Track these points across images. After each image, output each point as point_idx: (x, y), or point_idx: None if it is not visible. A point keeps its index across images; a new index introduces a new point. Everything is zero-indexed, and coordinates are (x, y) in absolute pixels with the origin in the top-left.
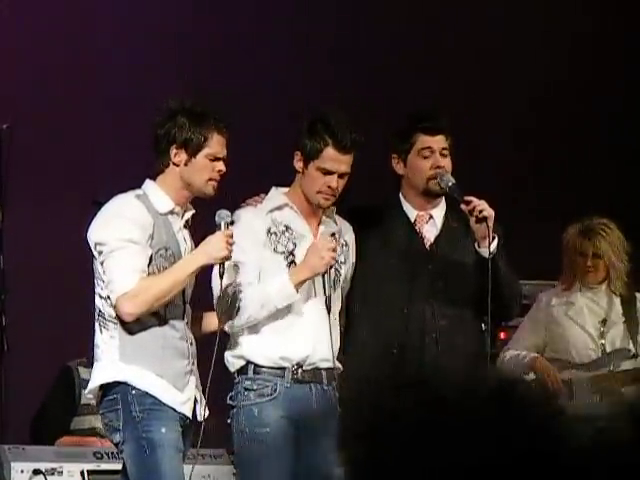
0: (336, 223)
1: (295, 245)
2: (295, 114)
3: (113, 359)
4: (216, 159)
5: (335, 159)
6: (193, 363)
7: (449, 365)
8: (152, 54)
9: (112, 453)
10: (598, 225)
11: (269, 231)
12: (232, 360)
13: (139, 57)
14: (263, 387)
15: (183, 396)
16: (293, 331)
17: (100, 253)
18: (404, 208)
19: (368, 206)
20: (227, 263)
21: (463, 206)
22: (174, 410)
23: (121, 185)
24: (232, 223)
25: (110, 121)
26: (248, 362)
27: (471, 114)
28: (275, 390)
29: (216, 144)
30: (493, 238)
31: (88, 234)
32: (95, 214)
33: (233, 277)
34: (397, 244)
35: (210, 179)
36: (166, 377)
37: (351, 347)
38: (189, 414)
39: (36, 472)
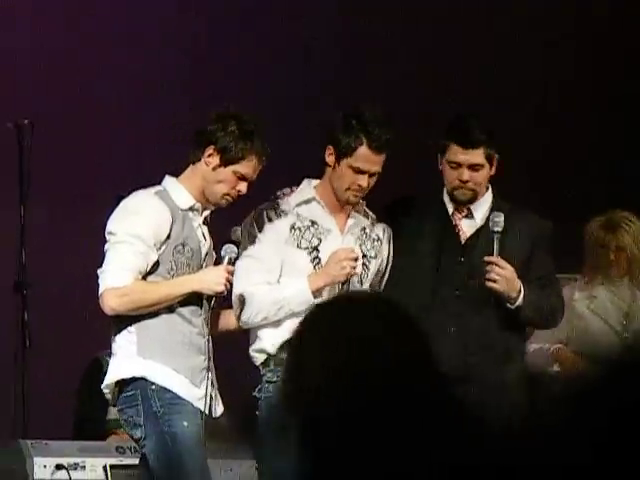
0: (367, 217)
1: (320, 240)
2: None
3: (130, 354)
4: (243, 178)
5: (368, 159)
6: (210, 359)
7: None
8: (167, 54)
9: (134, 447)
10: (621, 218)
11: (293, 227)
12: (255, 355)
13: (154, 55)
14: None
15: (200, 392)
16: None
17: (107, 243)
18: (445, 200)
19: (408, 198)
20: (242, 263)
21: (483, 260)
22: (190, 404)
23: (141, 181)
24: (236, 260)
25: (127, 118)
26: (269, 355)
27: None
28: None
29: (250, 166)
30: (519, 294)
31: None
32: None
33: (252, 277)
34: (432, 236)
35: (227, 194)
36: (183, 372)
37: None
38: (205, 410)
39: (59, 467)
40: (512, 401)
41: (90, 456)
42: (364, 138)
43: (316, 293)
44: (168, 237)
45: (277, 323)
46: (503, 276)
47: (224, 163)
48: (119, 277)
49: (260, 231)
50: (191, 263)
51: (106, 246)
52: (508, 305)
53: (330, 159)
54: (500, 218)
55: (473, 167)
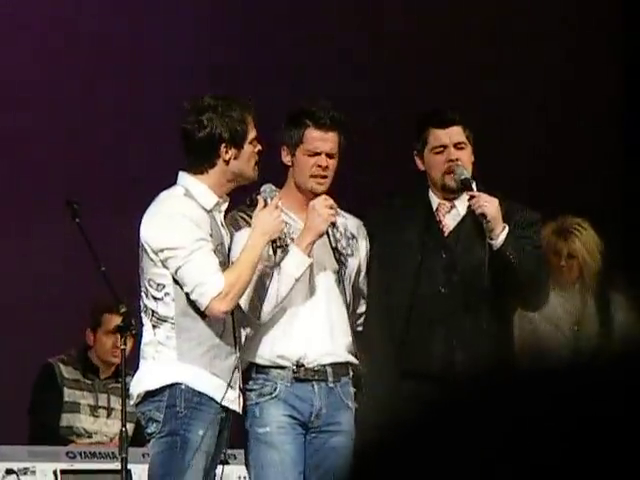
0: (339, 215)
1: (293, 240)
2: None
3: (171, 359)
4: (255, 140)
5: (319, 138)
6: (237, 358)
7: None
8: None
9: (85, 453)
10: (572, 225)
11: None
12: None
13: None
14: (263, 386)
15: (234, 393)
16: (288, 330)
17: (171, 258)
18: (429, 197)
19: (391, 198)
20: None
21: (468, 201)
22: (220, 410)
23: (92, 185)
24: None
25: (81, 122)
26: (251, 364)
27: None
28: (275, 389)
29: (253, 126)
30: (503, 230)
31: (145, 237)
32: (71, 215)
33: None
34: (415, 232)
35: (255, 163)
36: (221, 375)
37: (360, 340)
38: (239, 410)
39: (9, 472)
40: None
41: (40, 461)
42: (308, 121)
43: (307, 251)
44: (211, 236)
45: (256, 331)
46: (490, 202)
47: (240, 145)
48: (214, 284)
49: (237, 232)
50: (222, 261)
51: (174, 262)
52: (492, 242)
53: (287, 158)
54: (460, 168)
55: (457, 145)
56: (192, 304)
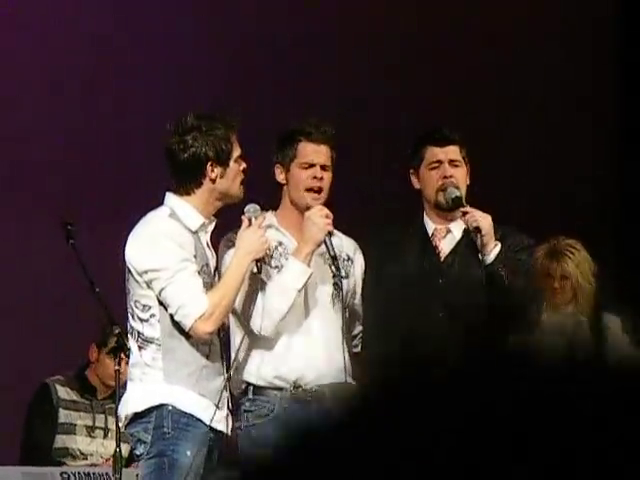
0: (334, 236)
1: (288, 259)
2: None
3: (157, 380)
4: (240, 158)
5: (312, 151)
6: (225, 379)
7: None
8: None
9: (79, 473)
10: (565, 246)
11: None
12: (234, 385)
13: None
14: (261, 408)
15: (222, 413)
16: (286, 351)
17: (155, 280)
18: (424, 222)
19: (389, 223)
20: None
21: (461, 218)
22: (208, 430)
23: (90, 206)
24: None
25: (74, 142)
26: (248, 384)
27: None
28: (272, 411)
29: (236, 144)
30: (495, 246)
31: (129, 258)
32: (66, 236)
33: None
34: (412, 258)
35: (241, 181)
36: (208, 396)
37: (358, 365)
38: (226, 430)
39: None
40: None
41: None
42: (301, 136)
43: (307, 261)
44: (195, 257)
45: (252, 352)
46: (484, 217)
47: (226, 163)
48: (197, 305)
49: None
50: (208, 281)
51: (158, 284)
52: (484, 258)
53: (281, 176)
54: (451, 188)
55: (453, 163)
56: (177, 325)
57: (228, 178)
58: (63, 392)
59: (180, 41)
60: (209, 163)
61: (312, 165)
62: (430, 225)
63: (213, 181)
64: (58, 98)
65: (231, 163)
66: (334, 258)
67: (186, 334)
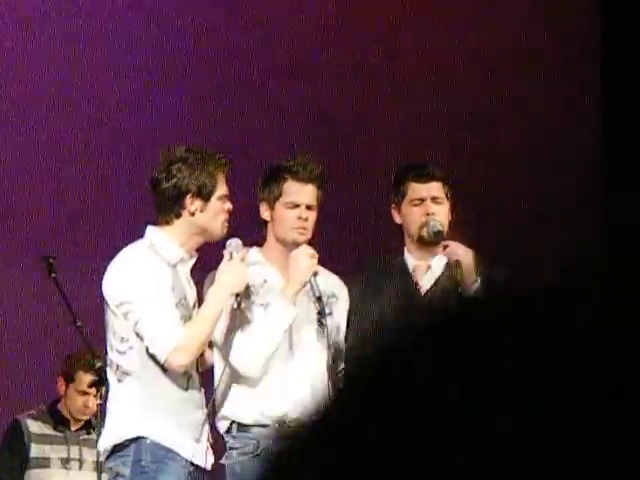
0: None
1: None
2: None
3: (135, 413)
4: (225, 197)
5: (297, 190)
6: (205, 413)
7: None
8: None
9: None
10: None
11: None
12: (219, 423)
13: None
14: (246, 445)
15: (200, 447)
16: (270, 388)
17: (130, 312)
18: (405, 258)
19: (370, 260)
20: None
21: (442, 252)
22: (186, 463)
23: (73, 239)
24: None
25: (58, 170)
26: (232, 422)
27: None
28: (258, 447)
29: (223, 183)
30: (475, 282)
31: (106, 290)
32: (47, 270)
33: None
34: (393, 296)
35: (224, 220)
36: (186, 429)
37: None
38: (204, 465)
39: None
40: None
41: None
42: (287, 174)
43: (292, 301)
44: (173, 290)
45: (237, 389)
46: (465, 251)
47: (207, 198)
48: (171, 338)
49: None
50: (186, 315)
51: (133, 316)
52: (463, 293)
53: (266, 213)
54: (434, 222)
55: (435, 200)
56: (154, 358)
57: (208, 214)
58: (35, 426)
59: (173, 76)
60: (189, 195)
61: (297, 205)
62: (411, 261)
63: (192, 214)
64: (38, 131)
65: (213, 199)
66: (319, 299)
67: (163, 367)
